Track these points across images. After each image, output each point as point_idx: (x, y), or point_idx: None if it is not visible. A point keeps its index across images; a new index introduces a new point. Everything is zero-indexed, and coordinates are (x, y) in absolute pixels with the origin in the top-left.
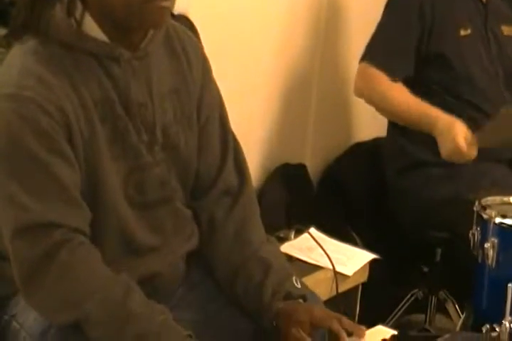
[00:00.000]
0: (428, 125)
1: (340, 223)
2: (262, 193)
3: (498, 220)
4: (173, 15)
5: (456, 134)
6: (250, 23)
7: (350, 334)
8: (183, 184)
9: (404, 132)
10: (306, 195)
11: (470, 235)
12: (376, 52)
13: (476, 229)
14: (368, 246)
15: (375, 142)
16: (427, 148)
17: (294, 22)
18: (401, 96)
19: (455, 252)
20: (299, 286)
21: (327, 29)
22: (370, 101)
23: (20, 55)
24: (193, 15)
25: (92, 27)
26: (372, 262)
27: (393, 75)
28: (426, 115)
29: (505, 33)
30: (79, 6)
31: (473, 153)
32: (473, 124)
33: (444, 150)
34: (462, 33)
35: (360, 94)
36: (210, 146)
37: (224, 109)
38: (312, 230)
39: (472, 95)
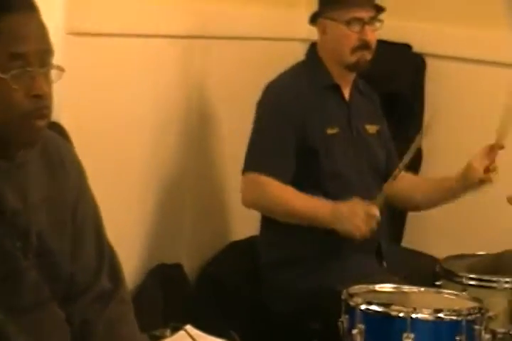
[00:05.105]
0: (327, 215)
1: (217, 320)
2: (138, 293)
3: (363, 307)
4: None
5: (367, 209)
6: (122, 128)
7: None
8: (55, 288)
9: (275, 229)
10: (182, 294)
11: (339, 323)
12: (260, 161)
13: (345, 316)
14: None
15: (251, 240)
16: (297, 243)
17: (168, 122)
18: (295, 196)
19: None
20: None
21: (199, 130)
22: (264, 209)
23: None
24: (64, 121)
25: None
26: None
27: (283, 178)
28: (323, 207)
29: (369, 131)
30: None
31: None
32: None
33: (358, 229)
34: (329, 131)
35: (251, 204)
36: (85, 253)
37: (99, 218)
38: (188, 327)
39: (339, 190)
